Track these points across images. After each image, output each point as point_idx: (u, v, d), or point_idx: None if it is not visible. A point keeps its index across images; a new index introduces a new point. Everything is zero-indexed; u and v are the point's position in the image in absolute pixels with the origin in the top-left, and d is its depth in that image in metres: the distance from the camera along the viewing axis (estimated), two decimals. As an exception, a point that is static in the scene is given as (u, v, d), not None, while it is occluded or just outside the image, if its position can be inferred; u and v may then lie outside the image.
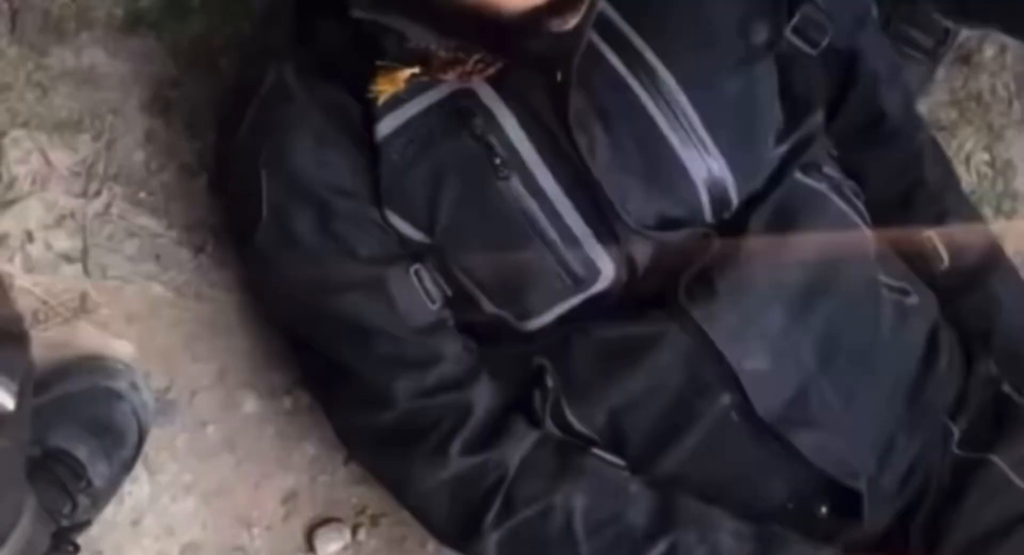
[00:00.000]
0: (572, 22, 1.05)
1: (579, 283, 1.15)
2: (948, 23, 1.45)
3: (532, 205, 1.13)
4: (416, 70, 1.11)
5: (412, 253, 1.17)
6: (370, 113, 1.13)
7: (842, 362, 1.18)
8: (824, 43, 1.23)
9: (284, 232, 1.16)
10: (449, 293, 1.17)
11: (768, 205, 1.17)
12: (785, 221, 1.17)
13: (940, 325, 1.26)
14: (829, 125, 1.27)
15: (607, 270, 1.15)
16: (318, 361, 1.21)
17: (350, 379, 1.19)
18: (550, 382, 1.17)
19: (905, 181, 1.28)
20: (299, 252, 1.16)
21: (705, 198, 1.15)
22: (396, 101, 1.13)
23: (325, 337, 1.19)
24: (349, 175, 1.15)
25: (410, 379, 1.16)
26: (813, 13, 1.21)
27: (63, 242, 1.34)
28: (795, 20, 1.20)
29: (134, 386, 1.30)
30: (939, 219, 1.28)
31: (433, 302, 1.17)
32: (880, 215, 1.26)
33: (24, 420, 1.06)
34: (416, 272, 1.16)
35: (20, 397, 1.00)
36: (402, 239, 1.16)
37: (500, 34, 1.05)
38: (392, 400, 1.16)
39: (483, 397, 1.18)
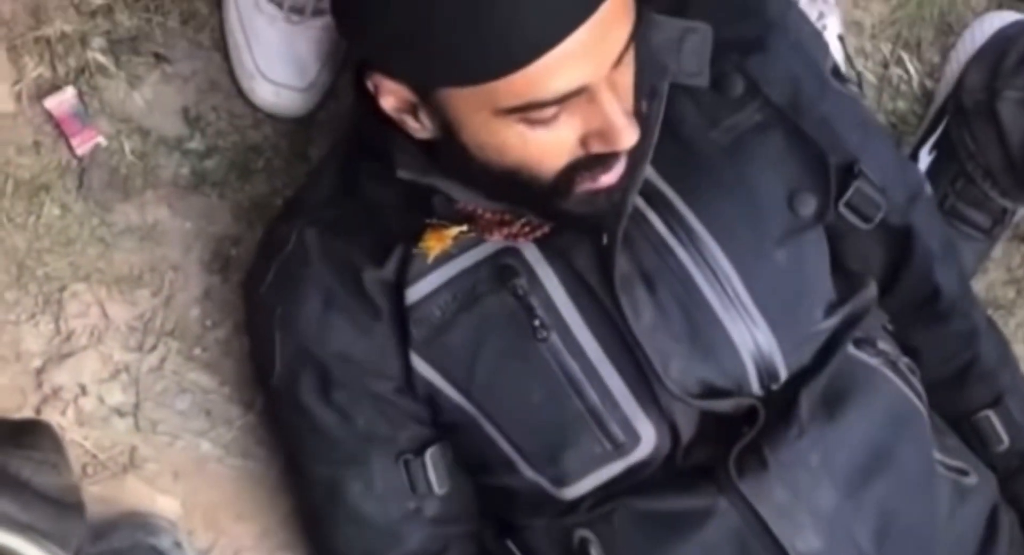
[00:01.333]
0: (606, 181, 1.06)
1: (618, 448, 1.13)
2: (1006, 203, 1.44)
3: (573, 365, 1.13)
4: (464, 228, 1.13)
5: (427, 424, 1.19)
6: (402, 272, 1.14)
7: (898, 544, 1.14)
8: (878, 218, 1.22)
9: (290, 392, 1.20)
10: (446, 488, 1.19)
11: (819, 380, 1.15)
12: (837, 396, 1.15)
13: (1000, 506, 1.22)
14: (884, 300, 1.25)
15: (648, 436, 1.13)
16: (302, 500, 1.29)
17: (320, 529, 1.25)
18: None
19: (961, 360, 1.27)
20: (300, 413, 1.20)
21: (751, 369, 1.14)
22: (439, 259, 1.14)
23: (304, 486, 1.25)
24: (357, 341, 1.17)
25: (365, 553, 1.21)
26: (866, 188, 1.21)
27: (116, 396, 1.36)
28: (848, 195, 1.20)
29: (178, 545, 1.30)
30: (997, 399, 1.26)
31: (415, 491, 1.19)
32: (937, 393, 1.23)
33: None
34: (406, 461, 1.18)
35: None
36: (430, 400, 1.17)
37: (541, 195, 1.07)
38: None
39: None
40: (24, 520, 1.03)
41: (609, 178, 1.06)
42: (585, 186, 1.05)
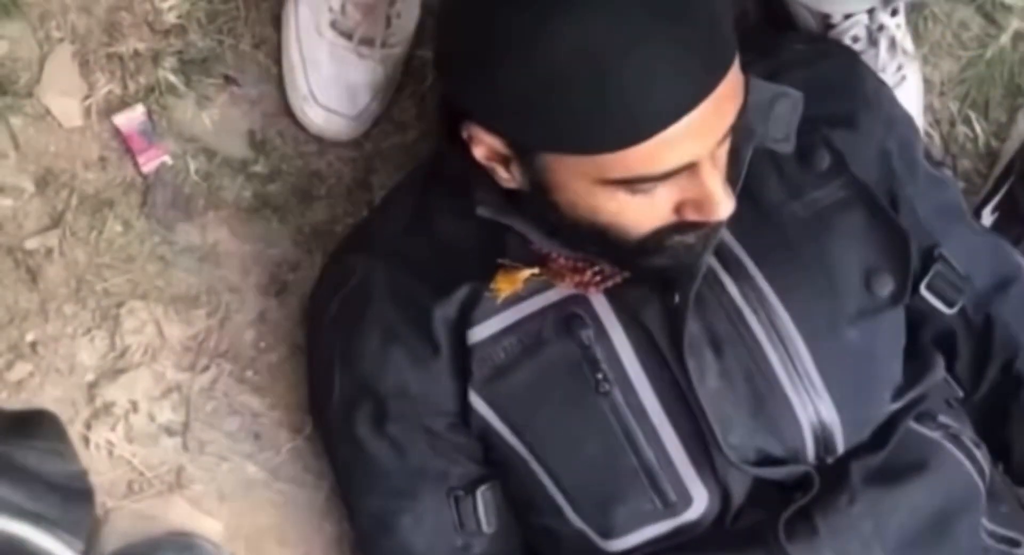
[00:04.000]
0: (692, 239, 1.06)
1: (669, 507, 1.13)
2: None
3: (631, 422, 1.13)
4: (536, 271, 1.13)
5: (479, 462, 1.19)
6: (468, 311, 1.14)
7: (946, 615, 1.14)
8: (960, 303, 1.22)
9: (346, 422, 1.21)
10: (495, 527, 1.20)
11: (877, 456, 1.15)
12: (894, 467, 1.15)
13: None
14: (973, 396, 1.25)
15: (700, 499, 1.13)
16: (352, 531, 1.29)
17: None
18: None
19: None
20: (355, 444, 1.21)
21: (810, 441, 1.14)
22: (507, 301, 1.14)
23: (354, 517, 1.26)
24: (414, 376, 1.17)
25: None
26: (947, 273, 1.21)
27: (167, 415, 1.36)
28: (928, 277, 1.20)
29: (221, 565, 1.31)
30: None
31: (463, 528, 1.19)
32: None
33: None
34: (456, 498, 1.19)
35: (84, 555, 1.01)
36: (484, 438, 1.17)
37: (627, 253, 1.06)
38: None
39: None
40: (32, 508, 1.03)
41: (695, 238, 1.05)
42: (676, 243, 1.05)
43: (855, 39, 1.36)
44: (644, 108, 0.95)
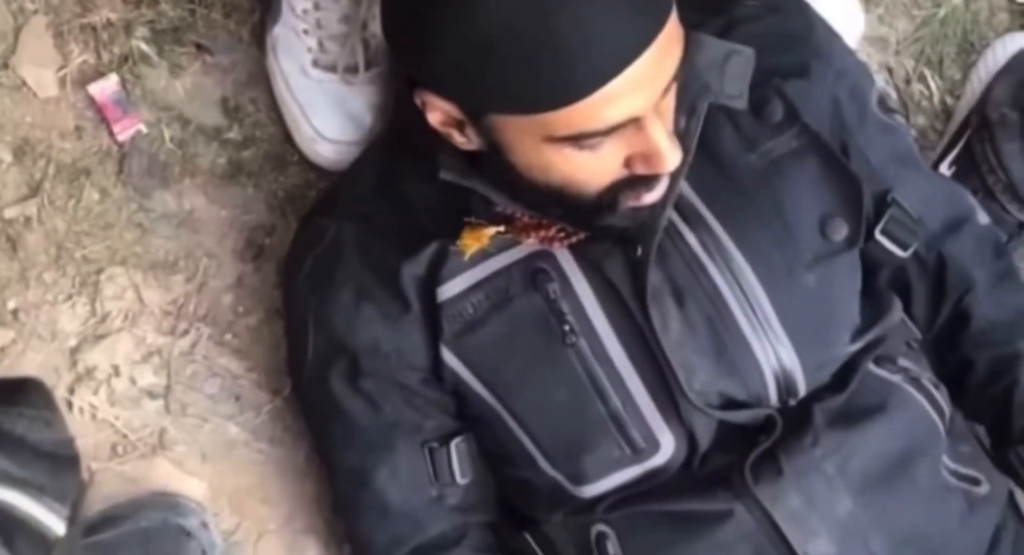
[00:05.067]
0: (648, 199, 1.08)
1: (637, 453, 1.16)
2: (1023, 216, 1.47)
3: (598, 371, 1.15)
4: (501, 229, 1.16)
5: (452, 415, 1.22)
6: (436, 269, 1.17)
7: (911, 552, 1.17)
8: (914, 245, 1.25)
9: (321, 379, 1.23)
10: (469, 478, 1.23)
11: (838, 398, 1.18)
12: (855, 409, 1.18)
13: (1008, 514, 1.25)
14: (927, 334, 1.28)
15: (667, 443, 1.16)
16: (329, 486, 1.33)
17: (346, 514, 1.29)
18: (611, 550, 1.18)
19: (1001, 386, 1.25)
20: (330, 401, 1.23)
21: (772, 385, 1.17)
22: (474, 258, 1.17)
23: (331, 471, 1.29)
24: (386, 332, 1.20)
25: (389, 538, 1.24)
26: (902, 217, 1.23)
27: (148, 378, 1.38)
28: (883, 222, 1.23)
29: (204, 525, 1.32)
30: None
31: (438, 479, 1.22)
32: (984, 419, 1.27)
33: (74, 543, 1.08)
34: (431, 450, 1.21)
35: (70, 521, 1.03)
36: (457, 392, 1.20)
37: (584, 211, 1.09)
38: (372, 549, 1.25)
39: None
40: (20, 475, 1.04)
41: (652, 196, 1.08)
42: (628, 203, 1.07)
43: None
44: (583, 64, 0.96)
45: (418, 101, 1.06)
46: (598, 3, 0.96)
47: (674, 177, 1.10)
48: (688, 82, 1.08)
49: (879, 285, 1.26)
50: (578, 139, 1.01)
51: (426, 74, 1.04)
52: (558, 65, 0.96)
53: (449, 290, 1.17)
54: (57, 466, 1.09)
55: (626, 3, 0.97)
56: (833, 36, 1.27)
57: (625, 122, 1.01)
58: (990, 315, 1.26)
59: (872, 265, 1.25)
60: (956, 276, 1.27)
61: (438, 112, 1.06)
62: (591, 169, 1.04)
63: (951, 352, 1.27)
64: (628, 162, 1.05)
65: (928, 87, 1.52)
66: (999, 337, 1.26)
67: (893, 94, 1.51)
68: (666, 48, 0.99)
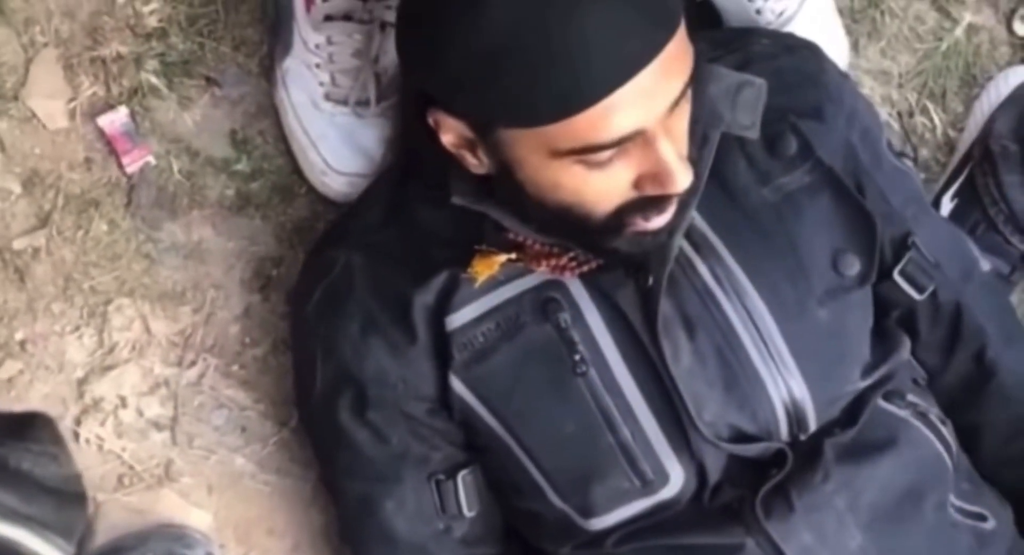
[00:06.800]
0: (656, 223, 1.08)
1: (647, 485, 1.16)
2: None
3: (608, 402, 1.15)
4: (512, 256, 1.16)
5: (460, 446, 1.22)
6: (446, 297, 1.17)
7: (921, 589, 1.17)
8: (930, 289, 1.25)
9: (328, 410, 1.23)
10: (476, 510, 1.23)
11: (847, 433, 1.18)
12: (864, 444, 1.18)
13: (1017, 546, 1.26)
14: (941, 378, 1.29)
15: (676, 476, 1.16)
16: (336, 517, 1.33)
17: (352, 546, 1.29)
18: None
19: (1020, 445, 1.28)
20: (337, 431, 1.23)
21: (783, 418, 1.17)
22: (485, 286, 1.17)
23: (337, 502, 1.29)
24: (392, 363, 1.20)
25: None
26: (919, 260, 1.24)
27: (155, 409, 1.39)
28: (902, 264, 1.23)
29: (209, 556, 1.33)
30: None
31: (445, 511, 1.22)
32: (1001, 472, 1.28)
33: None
34: (437, 482, 1.21)
35: (76, 559, 1.03)
36: (465, 422, 1.20)
37: (592, 233, 1.09)
38: None
39: None
40: (25, 512, 1.03)
41: (660, 220, 1.08)
42: (636, 227, 1.07)
43: None
44: (585, 74, 0.97)
45: (431, 121, 1.06)
46: (603, 13, 0.96)
47: (685, 204, 1.10)
48: (700, 112, 1.09)
49: (889, 323, 1.27)
50: (584, 153, 1.01)
51: (435, 86, 1.04)
52: (561, 74, 0.97)
53: (459, 318, 1.17)
54: (63, 502, 1.09)
55: (632, 14, 0.97)
56: (843, 78, 1.28)
57: (631, 135, 1.00)
58: (1018, 369, 1.27)
59: (885, 305, 1.25)
60: (972, 326, 1.27)
61: (450, 132, 1.06)
62: (600, 188, 1.04)
63: (970, 406, 1.28)
64: (638, 183, 1.04)
65: (931, 120, 1.53)
66: (1017, 393, 1.27)
67: (896, 127, 1.52)
68: (672, 61, 0.99)
